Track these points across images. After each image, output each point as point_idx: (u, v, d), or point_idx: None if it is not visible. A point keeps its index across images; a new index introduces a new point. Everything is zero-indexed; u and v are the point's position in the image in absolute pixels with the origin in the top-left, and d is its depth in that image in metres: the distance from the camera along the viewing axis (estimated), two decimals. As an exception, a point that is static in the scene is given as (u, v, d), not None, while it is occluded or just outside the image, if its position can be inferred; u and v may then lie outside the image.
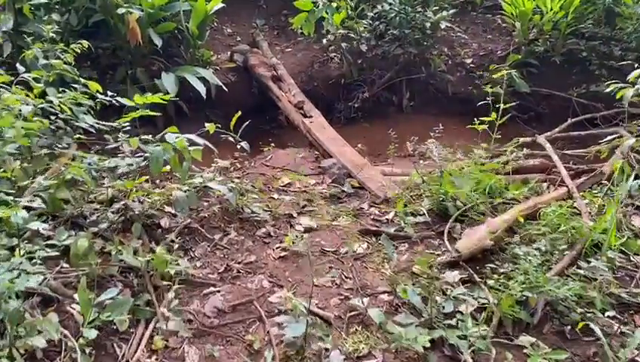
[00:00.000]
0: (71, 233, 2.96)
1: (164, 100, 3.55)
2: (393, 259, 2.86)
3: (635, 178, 4.11)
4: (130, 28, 5.22)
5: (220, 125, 6.97)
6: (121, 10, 5.18)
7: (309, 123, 5.46)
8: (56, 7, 5.42)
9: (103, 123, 3.68)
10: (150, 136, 3.72)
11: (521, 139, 5.38)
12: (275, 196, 4.02)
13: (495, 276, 2.80)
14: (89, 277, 2.63)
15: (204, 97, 5.63)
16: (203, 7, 6.10)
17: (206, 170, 4.26)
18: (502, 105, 4.48)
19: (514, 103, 6.60)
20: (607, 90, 4.21)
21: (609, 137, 4.52)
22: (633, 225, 3.37)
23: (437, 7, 6.89)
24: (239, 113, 4.11)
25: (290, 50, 7.54)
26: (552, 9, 6.67)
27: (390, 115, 7.31)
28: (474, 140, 6.80)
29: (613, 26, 7.09)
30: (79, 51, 4.18)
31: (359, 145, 6.24)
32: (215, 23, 7.60)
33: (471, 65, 7.36)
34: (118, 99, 3.84)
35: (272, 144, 5.84)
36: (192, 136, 3.18)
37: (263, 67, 6.56)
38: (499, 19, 8.08)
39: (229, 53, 7.18)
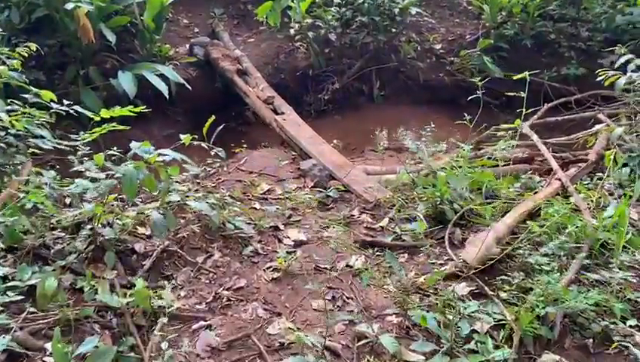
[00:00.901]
0: (34, 268, 2.62)
1: (133, 112, 3.21)
2: (402, 278, 2.66)
3: (623, 166, 4.10)
4: (81, 24, 4.77)
5: (182, 122, 6.69)
6: (69, 5, 4.71)
7: (281, 120, 5.18)
8: (-6, 2, 4.89)
9: (64, 141, 3.30)
10: (116, 148, 3.40)
11: (502, 127, 5.27)
12: (257, 206, 3.75)
13: (507, 287, 2.66)
14: (61, 323, 2.32)
15: (167, 96, 5.24)
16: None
17: (177, 179, 3.95)
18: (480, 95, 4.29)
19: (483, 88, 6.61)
20: (598, 78, 4.12)
21: (597, 126, 4.46)
22: (633, 219, 3.29)
23: (405, -7, 6.68)
24: (212, 118, 3.77)
25: (252, 40, 7.19)
26: (521, -9, 6.59)
27: (361, 105, 7.10)
28: (450, 129, 6.73)
29: (579, 7, 7.10)
30: (27, 55, 3.74)
31: (334, 141, 6.04)
32: (170, 14, 7.14)
33: (441, 50, 7.23)
34: (77, 109, 3.45)
35: (244, 144, 5.56)
36: (168, 151, 2.84)
37: (226, 60, 6.20)
38: (464, 2, 7.97)
39: (187, 46, 6.77)
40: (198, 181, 4.07)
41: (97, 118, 3.39)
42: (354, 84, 6.99)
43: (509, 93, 6.98)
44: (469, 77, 6.93)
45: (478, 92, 6.81)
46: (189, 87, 5.64)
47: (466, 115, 4.61)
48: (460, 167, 3.78)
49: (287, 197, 3.90)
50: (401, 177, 4.04)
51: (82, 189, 2.74)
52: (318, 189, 4.15)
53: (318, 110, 6.81)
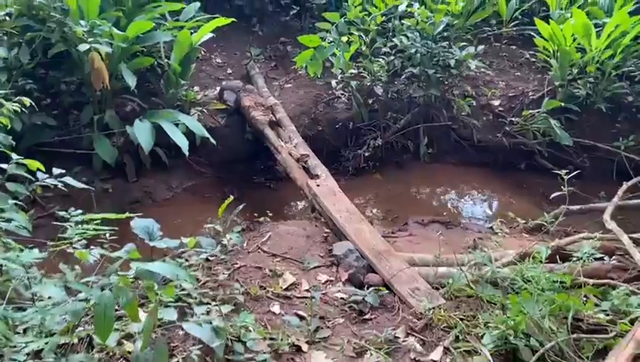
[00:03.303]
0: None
1: (119, 219, 2.63)
2: None
3: None
4: (95, 68, 4.29)
5: (206, 174, 6.14)
6: (83, 47, 4.24)
7: (315, 187, 4.54)
8: (4, 37, 4.46)
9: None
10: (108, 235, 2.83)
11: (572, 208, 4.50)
12: (277, 309, 3.08)
13: None
14: None
15: (186, 153, 4.69)
16: (187, 40, 5.20)
17: (190, 260, 3.35)
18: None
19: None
20: None
21: None
22: None
23: (463, 43, 6.03)
24: (231, 199, 3.15)
25: (290, 86, 6.64)
26: (597, 47, 5.85)
27: (406, 164, 6.45)
28: (507, 198, 5.97)
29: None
30: (19, 109, 3.23)
31: (373, 211, 5.36)
32: (202, 53, 6.69)
33: (499, 108, 6.52)
34: (69, 181, 2.89)
35: (273, 205, 4.96)
36: (164, 268, 2.19)
37: (258, 109, 5.65)
38: (527, 53, 7.27)
39: (218, 88, 6.26)
40: (209, 266, 3.45)
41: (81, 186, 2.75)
42: (399, 139, 6.34)
43: (577, 162, 6.31)
44: (530, 140, 6.21)
45: (540, 157, 6.11)
46: (214, 142, 5.07)
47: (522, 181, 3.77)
48: (537, 282, 3.02)
49: (312, 297, 3.23)
50: (458, 280, 3.31)
51: (39, 319, 2.12)
52: (353, 287, 3.46)
53: (357, 167, 6.18)
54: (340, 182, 5.98)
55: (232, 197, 3.16)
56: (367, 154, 6.13)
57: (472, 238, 4.84)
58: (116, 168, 5.37)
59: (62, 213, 3.00)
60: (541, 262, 3.26)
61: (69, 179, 2.92)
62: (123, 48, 4.84)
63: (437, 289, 3.49)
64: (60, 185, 2.88)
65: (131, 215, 2.98)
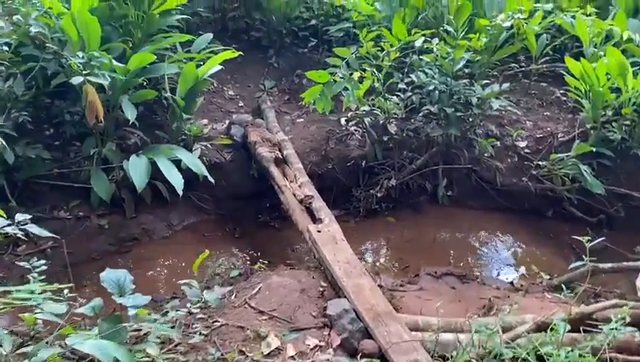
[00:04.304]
0: None
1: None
2: None
3: None
4: (88, 102, 4.13)
5: (209, 211, 5.91)
6: (77, 80, 4.09)
7: (315, 232, 4.23)
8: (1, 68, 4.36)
9: None
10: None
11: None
12: (254, 381, 2.76)
13: None
14: None
15: (180, 193, 4.46)
16: (192, 73, 5.04)
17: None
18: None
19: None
20: None
21: None
22: None
23: (486, 81, 5.70)
24: (207, 254, 2.87)
25: (301, 120, 6.41)
26: (634, 88, 5.43)
27: (422, 206, 6.09)
28: (531, 249, 5.53)
29: None
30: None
31: (380, 262, 5.01)
32: (214, 85, 6.53)
33: (525, 150, 6.13)
34: (33, 230, 2.67)
35: (270, 258, 4.68)
36: (97, 346, 1.91)
37: (264, 146, 5.42)
38: (558, 91, 6.86)
39: (227, 122, 6.07)
40: (187, 323, 3.16)
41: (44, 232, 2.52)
42: (415, 180, 6.00)
43: (610, 211, 5.84)
44: (559, 185, 5.77)
45: (569, 205, 5.65)
46: (212, 180, 4.84)
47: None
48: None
49: (298, 365, 2.90)
50: (462, 355, 2.93)
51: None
52: (345, 354, 3.12)
53: (369, 208, 5.84)
54: (349, 223, 5.72)
55: (207, 252, 2.90)
56: (380, 194, 5.80)
57: (488, 295, 4.44)
58: (114, 203, 5.19)
59: (23, 264, 2.78)
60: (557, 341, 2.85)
61: (31, 227, 2.68)
62: (124, 81, 4.69)
63: (442, 359, 3.12)
64: (20, 234, 2.61)
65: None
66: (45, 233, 2.73)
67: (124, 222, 5.23)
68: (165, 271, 4.96)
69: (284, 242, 5.35)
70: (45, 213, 5.02)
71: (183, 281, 3.06)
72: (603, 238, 3.82)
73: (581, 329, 3.31)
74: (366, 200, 5.83)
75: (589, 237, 3.05)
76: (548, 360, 2.76)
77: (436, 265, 5.03)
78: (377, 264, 4.94)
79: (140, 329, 3.04)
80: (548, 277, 4.88)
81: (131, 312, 2.44)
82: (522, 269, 5.16)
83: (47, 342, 2.06)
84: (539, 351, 2.85)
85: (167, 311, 3.49)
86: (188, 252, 5.17)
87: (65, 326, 2.41)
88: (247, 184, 5.76)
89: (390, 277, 4.76)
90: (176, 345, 2.89)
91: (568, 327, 2.91)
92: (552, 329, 3.07)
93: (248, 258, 5.08)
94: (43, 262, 2.82)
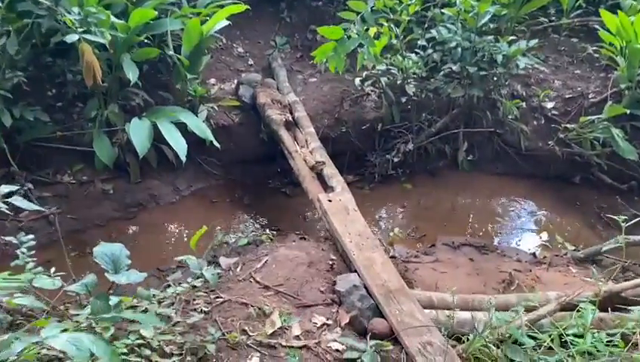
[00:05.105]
0: None
1: None
2: None
3: None
4: (85, 62, 3.91)
5: (217, 176, 5.73)
6: (71, 37, 3.86)
7: (326, 202, 4.03)
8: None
9: None
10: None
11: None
12: (255, 363, 2.62)
13: None
14: None
15: (183, 160, 4.27)
16: (197, 29, 4.77)
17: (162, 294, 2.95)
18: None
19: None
20: None
21: None
22: None
23: (513, 37, 5.31)
24: (204, 229, 2.70)
25: (314, 80, 6.12)
26: (674, 45, 5.03)
27: (440, 172, 5.85)
28: (557, 218, 5.27)
29: None
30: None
31: (394, 231, 4.81)
32: (222, 42, 6.25)
33: (553, 112, 5.79)
34: (16, 203, 2.51)
35: (280, 225, 4.52)
36: (67, 343, 1.75)
37: (274, 108, 5.18)
38: (590, 47, 6.42)
39: (236, 82, 5.82)
40: (188, 299, 3.02)
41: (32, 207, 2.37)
42: (434, 144, 5.73)
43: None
44: (588, 150, 5.46)
45: (598, 171, 5.35)
46: (217, 145, 4.63)
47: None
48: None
49: (303, 345, 2.76)
50: (479, 338, 2.75)
51: None
52: (354, 333, 2.97)
53: (384, 174, 5.62)
54: (363, 190, 5.51)
55: (204, 228, 2.71)
56: (396, 159, 5.57)
57: (509, 268, 4.24)
58: (119, 167, 5.05)
59: (9, 239, 2.64)
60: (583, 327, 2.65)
61: (17, 200, 2.51)
62: (125, 39, 4.45)
63: (457, 341, 2.96)
64: (4, 207, 2.45)
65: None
66: (33, 206, 2.58)
67: (129, 187, 5.09)
68: (172, 238, 4.84)
69: (294, 210, 5.18)
70: (48, 178, 4.89)
71: (179, 258, 2.89)
72: None
73: (609, 308, 3.13)
74: (381, 165, 5.60)
75: (626, 216, 2.79)
76: (573, 346, 2.57)
77: (454, 234, 4.83)
78: (392, 234, 4.73)
79: (137, 306, 2.93)
80: (573, 248, 4.66)
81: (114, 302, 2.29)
82: (545, 239, 4.93)
83: (27, 331, 1.94)
84: (563, 336, 2.66)
85: (169, 285, 3.42)
86: (195, 218, 5.04)
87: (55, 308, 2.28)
88: (256, 148, 5.55)
89: (405, 247, 4.58)
90: (175, 324, 2.75)
91: (594, 315, 2.71)
92: (577, 311, 2.88)
93: (258, 226, 4.93)
94: (31, 236, 2.67)
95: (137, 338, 2.44)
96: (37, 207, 2.64)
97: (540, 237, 4.96)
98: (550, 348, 2.59)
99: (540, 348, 2.57)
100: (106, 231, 4.77)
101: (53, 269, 2.63)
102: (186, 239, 4.75)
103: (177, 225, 4.98)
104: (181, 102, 5.20)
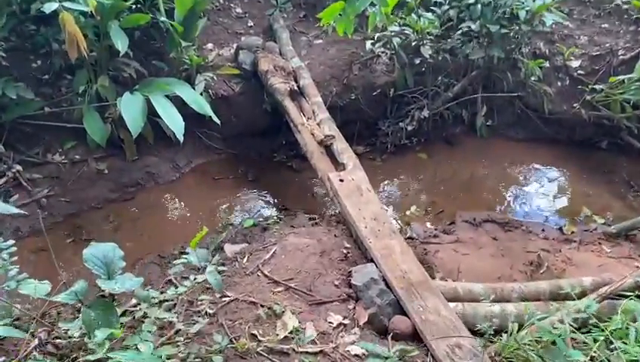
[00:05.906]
0: None
1: None
2: None
3: None
4: (67, 33, 3.55)
5: (219, 150, 5.43)
6: (50, 6, 3.49)
7: (337, 182, 3.74)
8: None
9: None
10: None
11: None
12: (267, 375, 2.40)
13: None
14: None
15: (181, 139, 3.95)
16: (190, -8, 4.36)
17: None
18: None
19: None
20: None
21: None
22: None
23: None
24: (205, 231, 2.42)
25: (320, 42, 5.71)
26: None
27: (458, 138, 5.53)
28: (582, 188, 4.95)
29: None
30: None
31: (411, 209, 4.53)
32: (219, 1, 5.82)
33: (579, 71, 5.39)
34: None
35: (288, 203, 4.26)
36: None
37: (277, 75, 4.82)
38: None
39: (234, 46, 5.42)
40: (191, 299, 2.78)
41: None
42: (450, 110, 5.37)
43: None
44: (617, 113, 5.10)
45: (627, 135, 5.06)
46: (217, 121, 4.30)
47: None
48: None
49: (320, 350, 2.53)
50: (512, 337, 2.51)
51: None
52: (373, 333, 2.74)
53: (397, 144, 5.29)
54: (375, 161, 5.21)
55: (205, 229, 2.42)
56: (410, 127, 5.23)
57: (536, 247, 3.98)
58: (114, 144, 4.75)
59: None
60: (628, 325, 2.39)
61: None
62: (111, 4, 4.06)
63: (487, 341, 2.72)
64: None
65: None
66: (12, 210, 2.28)
67: (125, 165, 4.80)
68: (173, 219, 4.58)
69: (302, 185, 4.89)
70: (38, 158, 4.61)
71: (178, 261, 2.61)
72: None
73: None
74: (394, 134, 5.28)
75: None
76: (618, 350, 2.32)
77: (474, 208, 4.56)
78: (408, 212, 4.45)
79: (136, 308, 2.70)
80: (602, 221, 4.39)
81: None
82: (572, 211, 4.64)
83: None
84: (608, 336, 2.41)
85: (170, 280, 3.18)
86: (197, 197, 4.77)
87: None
88: (260, 119, 5.22)
89: (422, 225, 4.31)
90: (177, 332, 2.52)
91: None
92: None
93: (264, 204, 4.66)
94: (12, 242, 2.40)
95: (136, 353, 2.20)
96: (15, 210, 2.34)
97: (567, 210, 4.67)
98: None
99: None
100: (103, 213, 4.51)
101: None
102: (188, 221, 4.49)
103: (178, 205, 4.72)
104: (177, 71, 4.86)
